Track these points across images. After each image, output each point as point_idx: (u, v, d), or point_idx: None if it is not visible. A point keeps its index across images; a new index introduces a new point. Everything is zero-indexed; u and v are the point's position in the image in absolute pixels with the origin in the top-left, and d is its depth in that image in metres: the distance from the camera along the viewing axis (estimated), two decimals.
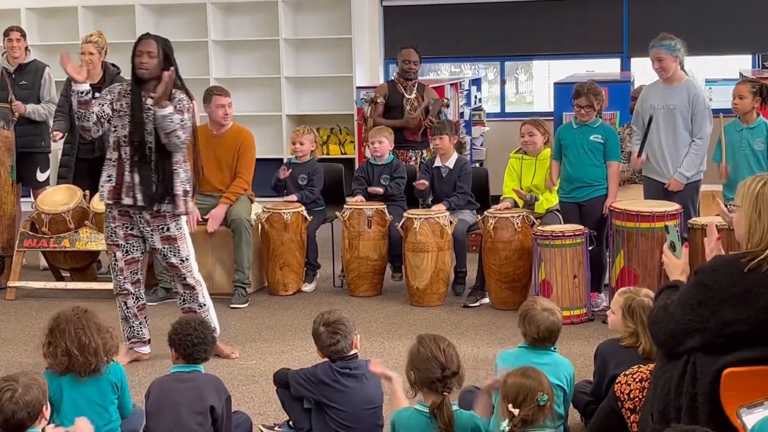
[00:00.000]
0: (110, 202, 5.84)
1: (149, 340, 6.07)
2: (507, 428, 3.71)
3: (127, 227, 5.87)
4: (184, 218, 5.94)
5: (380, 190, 7.83)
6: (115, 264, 5.95)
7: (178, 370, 4.36)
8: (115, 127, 5.79)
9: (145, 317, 6.06)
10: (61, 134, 8.31)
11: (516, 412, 3.72)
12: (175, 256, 5.89)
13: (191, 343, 4.32)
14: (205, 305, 6.02)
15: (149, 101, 5.70)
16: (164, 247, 5.87)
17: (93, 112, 5.74)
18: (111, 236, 5.91)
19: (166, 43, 5.82)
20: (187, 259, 5.92)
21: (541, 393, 3.77)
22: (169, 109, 5.63)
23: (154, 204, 5.76)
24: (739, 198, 3.67)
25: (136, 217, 5.84)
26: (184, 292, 6.01)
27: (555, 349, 4.50)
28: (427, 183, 7.71)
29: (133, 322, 6.03)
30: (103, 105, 5.79)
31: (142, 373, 5.75)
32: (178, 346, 4.35)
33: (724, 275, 3.53)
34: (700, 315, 3.52)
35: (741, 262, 3.51)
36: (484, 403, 4.11)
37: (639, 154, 7.03)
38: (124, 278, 5.95)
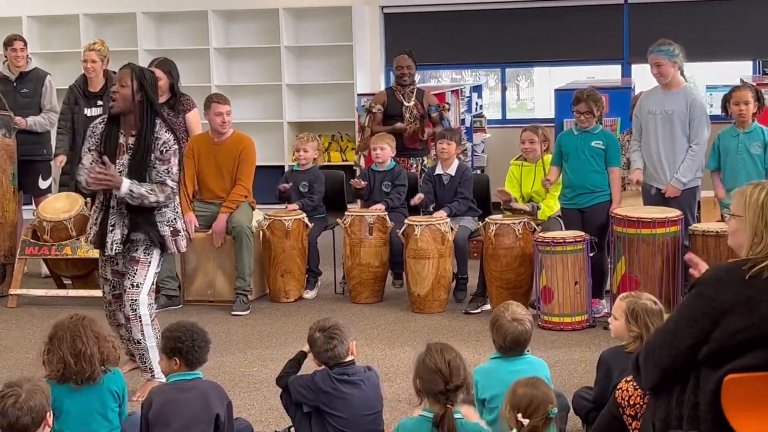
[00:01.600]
0: (93, 246, 5.68)
1: None
2: None
3: (113, 263, 5.63)
4: (157, 250, 5.55)
5: (382, 207, 7.81)
6: (103, 296, 5.79)
7: (179, 379, 4.33)
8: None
9: None
10: (64, 158, 8.32)
11: (526, 422, 3.72)
12: (129, 279, 5.51)
13: (198, 347, 4.28)
14: (140, 343, 5.53)
15: (130, 140, 5.40)
16: (127, 268, 5.53)
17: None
18: (101, 269, 5.74)
19: (143, 73, 5.44)
20: (137, 287, 5.48)
21: (551, 405, 3.78)
22: (125, 187, 5.29)
23: (115, 248, 5.44)
24: (739, 207, 3.62)
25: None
26: (125, 324, 5.59)
27: (528, 351, 4.51)
28: (422, 196, 7.69)
29: (127, 344, 5.75)
30: (92, 151, 5.49)
31: (138, 381, 5.73)
32: (184, 354, 4.29)
33: (726, 284, 3.51)
34: (704, 327, 3.50)
35: (742, 270, 3.50)
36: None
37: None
38: (113, 311, 5.71)
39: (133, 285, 5.49)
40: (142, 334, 5.51)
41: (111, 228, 5.48)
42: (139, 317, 5.49)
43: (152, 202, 5.37)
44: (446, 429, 3.84)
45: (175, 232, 5.57)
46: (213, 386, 4.34)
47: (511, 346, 4.43)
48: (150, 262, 5.53)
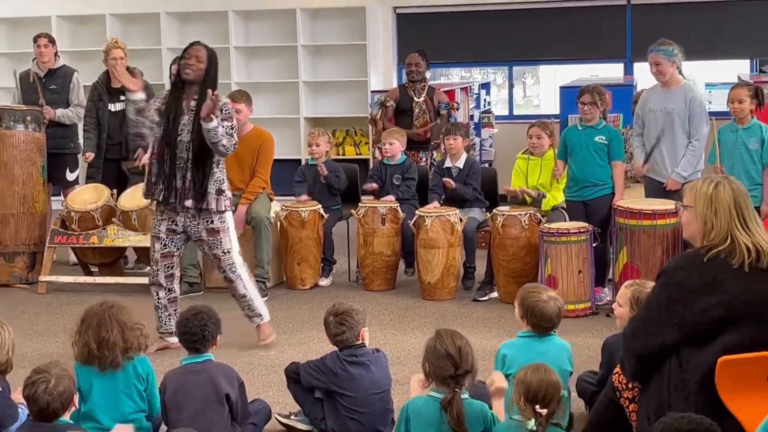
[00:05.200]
0: (153, 198, 5.96)
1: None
2: (534, 428, 3.70)
3: (171, 222, 5.91)
4: (228, 213, 5.97)
5: (392, 198, 7.84)
6: (153, 254, 6.01)
7: (191, 362, 4.35)
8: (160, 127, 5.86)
9: (175, 310, 6.05)
10: (92, 155, 8.34)
11: (544, 412, 3.71)
12: (217, 248, 5.93)
13: (199, 336, 4.33)
14: (245, 296, 6.04)
15: (192, 103, 5.75)
16: (209, 239, 5.91)
17: (147, 118, 5.78)
18: (154, 228, 5.99)
19: (214, 55, 5.84)
20: (228, 252, 5.94)
21: (561, 391, 3.78)
22: (214, 123, 5.65)
23: (184, 201, 5.80)
24: (690, 199, 3.77)
25: (182, 212, 5.89)
26: (228, 284, 6.09)
27: (555, 332, 4.53)
28: (453, 183, 7.68)
29: (162, 313, 6.09)
30: (152, 110, 5.83)
31: (167, 363, 5.73)
32: (184, 343, 4.39)
33: (689, 269, 3.63)
34: (674, 311, 3.59)
35: (701, 255, 3.63)
36: (499, 409, 4.11)
37: (644, 164, 7.03)
38: (158, 269, 5.98)
39: (224, 252, 5.94)
40: (246, 289, 6.03)
41: (166, 180, 5.81)
42: (240, 276, 6.00)
43: (223, 143, 5.70)
44: (454, 412, 3.85)
45: (220, 192, 5.86)
46: (222, 368, 4.34)
47: (556, 323, 4.45)
48: (228, 227, 5.95)
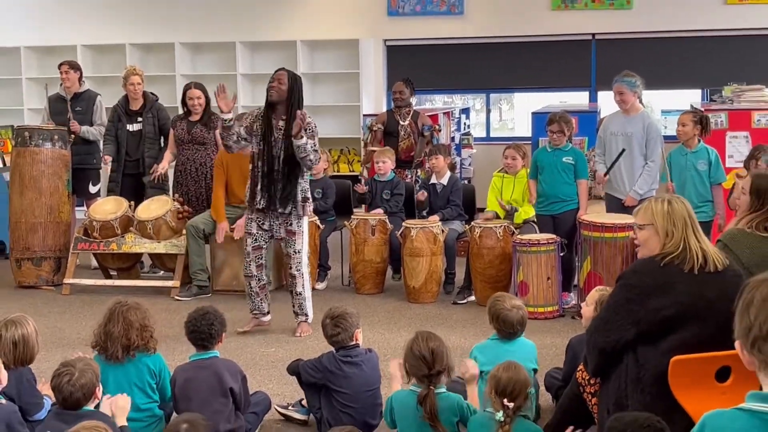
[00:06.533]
0: (251, 204, 6.18)
1: (268, 312, 6.44)
2: (501, 419, 3.71)
3: (260, 222, 6.20)
4: (305, 219, 6.22)
5: (381, 211, 7.85)
6: (245, 249, 6.31)
7: (198, 358, 4.34)
8: (253, 144, 6.11)
9: (265, 294, 6.39)
10: (110, 157, 8.34)
11: (511, 405, 3.72)
12: (291, 247, 6.20)
13: (206, 334, 4.32)
14: (300, 294, 6.29)
15: (280, 123, 5.98)
16: (286, 238, 6.21)
17: (233, 134, 6.03)
18: (246, 227, 6.29)
19: (295, 78, 6.04)
20: (298, 252, 6.20)
21: (529, 387, 3.79)
22: (304, 140, 5.89)
23: (277, 206, 6.08)
24: (646, 218, 3.78)
25: (269, 214, 6.16)
26: (290, 280, 6.34)
27: (522, 334, 4.53)
28: (426, 194, 7.73)
29: (255, 299, 6.39)
30: (240, 127, 6.08)
31: (178, 359, 5.73)
32: (192, 341, 4.36)
33: (645, 273, 3.64)
34: (630, 310, 3.60)
35: (655, 261, 3.65)
36: (473, 397, 4.13)
37: (605, 174, 7.08)
38: (250, 261, 6.26)
39: (295, 251, 6.21)
40: (303, 288, 6.29)
41: (262, 189, 6.07)
42: (302, 275, 6.27)
43: (310, 158, 5.96)
44: (428, 407, 3.87)
45: (305, 199, 6.17)
46: (227, 364, 4.34)
47: (519, 329, 4.46)
48: (303, 231, 6.22)
